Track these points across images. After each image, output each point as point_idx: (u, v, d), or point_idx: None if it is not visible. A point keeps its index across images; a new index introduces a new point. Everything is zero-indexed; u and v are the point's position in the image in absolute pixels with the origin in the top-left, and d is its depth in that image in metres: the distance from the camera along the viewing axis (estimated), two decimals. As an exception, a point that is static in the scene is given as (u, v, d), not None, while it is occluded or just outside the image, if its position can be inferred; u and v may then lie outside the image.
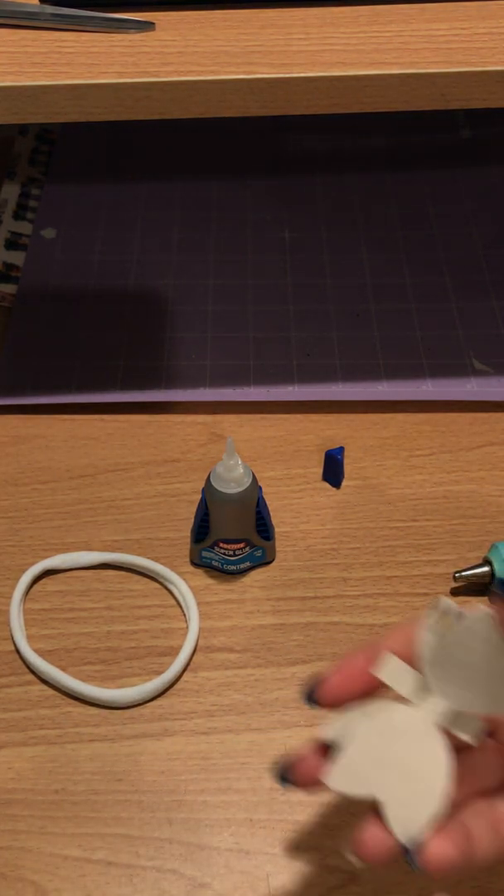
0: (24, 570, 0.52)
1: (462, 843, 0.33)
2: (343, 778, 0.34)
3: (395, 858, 0.33)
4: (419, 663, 0.35)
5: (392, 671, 0.35)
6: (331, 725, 0.34)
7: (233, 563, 0.51)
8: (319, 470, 0.57)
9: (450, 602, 0.34)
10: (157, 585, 0.52)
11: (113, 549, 0.53)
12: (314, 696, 0.35)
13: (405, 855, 0.32)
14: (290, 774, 0.35)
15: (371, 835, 0.33)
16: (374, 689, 0.35)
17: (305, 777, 0.34)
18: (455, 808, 0.34)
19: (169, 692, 0.47)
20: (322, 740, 0.34)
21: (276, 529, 0.53)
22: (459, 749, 0.35)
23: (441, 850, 0.32)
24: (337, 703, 0.35)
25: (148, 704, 0.47)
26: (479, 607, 0.34)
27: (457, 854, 0.32)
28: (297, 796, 0.43)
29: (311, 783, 0.34)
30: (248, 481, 0.48)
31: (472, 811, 0.34)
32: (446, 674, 0.34)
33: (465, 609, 0.34)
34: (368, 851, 0.33)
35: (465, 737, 0.34)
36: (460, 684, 0.34)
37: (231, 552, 0.51)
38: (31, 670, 0.48)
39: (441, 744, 0.34)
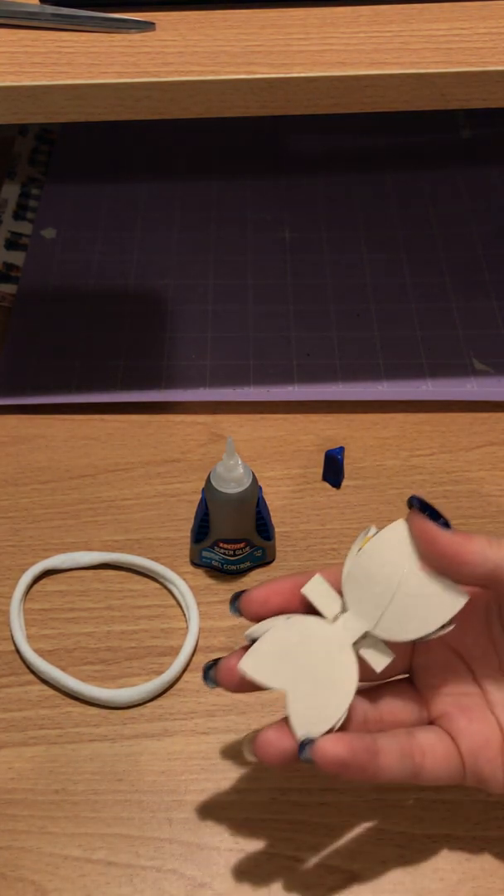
0: (24, 570, 0.52)
1: (361, 751, 0.35)
2: (255, 665, 0.36)
3: (289, 762, 0.35)
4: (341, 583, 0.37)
5: (318, 591, 0.37)
6: (255, 628, 0.37)
7: (233, 563, 0.51)
8: (319, 470, 0.57)
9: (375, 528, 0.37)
10: (157, 585, 0.52)
11: (113, 549, 0.53)
12: (237, 604, 0.37)
13: (300, 750, 0.35)
14: (213, 672, 0.37)
15: (271, 736, 0.35)
16: (296, 609, 0.37)
17: (226, 674, 0.37)
18: (374, 731, 0.37)
19: (169, 692, 0.47)
20: (246, 639, 0.37)
21: (276, 529, 0.53)
22: (381, 691, 0.38)
23: (333, 748, 0.34)
24: (258, 615, 0.37)
25: (148, 704, 0.47)
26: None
27: (348, 756, 0.34)
28: (298, 797, 0.43)
29: (230, 681, 0.37)
30: (248, 481, 0.48)
31: (389, 734, 0.37)
32: (361, 590, 0.36)
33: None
34: (267, 751, 0.35)
35: (372, 662, 0.36)
36: (373, 602, 0.36)
37: (231, 552, 0.51)
38: (31, 670, 0.48)
39: (351, 660, 0.36)
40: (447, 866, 0.41)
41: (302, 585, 0.37)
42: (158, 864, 0.41)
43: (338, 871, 0.41)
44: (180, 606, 0.51)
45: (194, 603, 0.50)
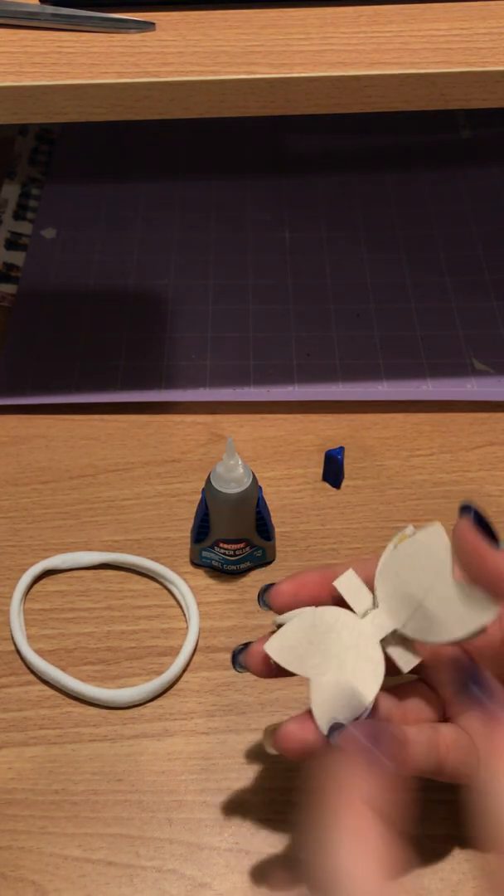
0: (24, 570, 0.52)
1: (391, 738, 0.34)
2: (280, 649, 0.36)
3: (311, 754, 0.35)
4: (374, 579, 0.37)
5: (349, 585, 0.37)
6: (284, 615, 0.37)
7: (233, 563, 0.51)
8: (319, 470, 0.57)
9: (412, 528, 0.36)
10: (157, 585, 0.52)
11: (113, 549, 0.53)
12: (265, 597, 0.38)
13: (329, 734, 0.34)
14: (242, 656, 0.37)
15: (293, 728, 0.35)
16: (325, 602, 0.37)
17: (254, 658, 0.37)
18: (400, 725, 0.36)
19: (169, 692, 0.47)
20: (273, 625, 0.37)
21: (276, 529, 0.53)
22: (403, 690, 0.38)
23: (363, 733, 0.34)
24: (287, 607, 0.37)
25: (148, 704, 0.47)
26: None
27: (368, 741, 0.34)
28: (299, 798, 0.43)
29: (258, 666, 0.37)
30: (248, 481, 0.48)
31: (416, 727, 0.37)
32: (393, 587, 0.36)
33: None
34: (288, 743, 0.35)
35: (399, 661, 0.36)
36: (404, 600, 0.36)
37: (231, 552, 0.51)
38: (31, 670, 0.48)
39: (378, 655, 0.36)
40: (447, 866, 0.41)
41: (331, 579, 0.37)
42: (158, 864, 0.41)
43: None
44: (180, 606, 0.51)
45: (194, 603, 0.50)
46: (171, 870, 0.41)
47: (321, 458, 0.57)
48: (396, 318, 0.67)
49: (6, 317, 0.68)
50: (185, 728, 0.46)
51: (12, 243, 0.73)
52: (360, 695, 0.35)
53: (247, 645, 0.38)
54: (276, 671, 0.36)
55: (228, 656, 0.48)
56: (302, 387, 0.62)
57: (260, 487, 0.49)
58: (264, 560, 0.52)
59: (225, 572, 0.52)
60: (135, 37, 0.47)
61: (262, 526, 0.51)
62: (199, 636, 0.49)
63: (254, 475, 0.49)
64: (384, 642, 0.36)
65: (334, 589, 0.37)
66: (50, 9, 0.48)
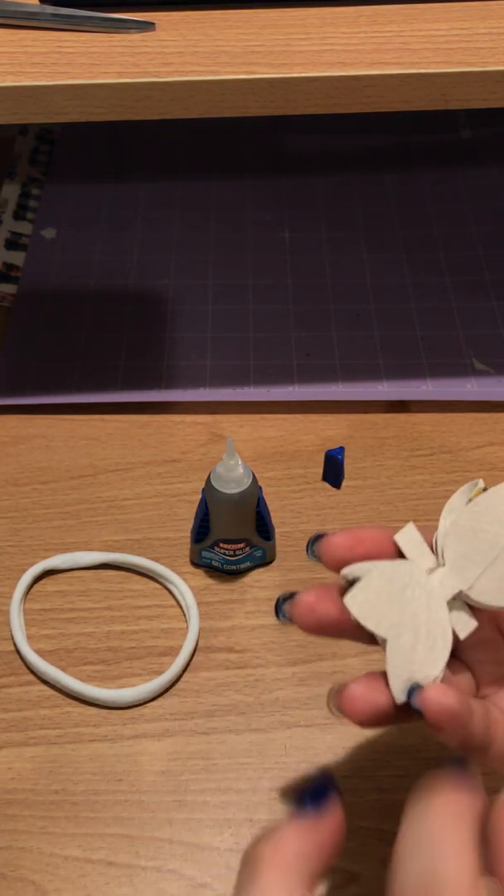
0: (24, 570, 0.52)
1: (465, 705, 0.32)
2: (361, 605, 0.33)
3: (378, 717, 0.33)
4: (438, 536, 0.34)
5: (411, 540, 0.35)
6: (354, 567, 0.34)
7: (233, 563, 0.51)
8: (319, 470, 0.57)
9: (483, 482, 0.34)
10: (157, 585, 0.52)
11: (113, 549, 0.53)
12: (315, 548, 0.35)
13: (408, 695, 0.32)
14: (288, 605, 0.34)
15: (359, 690, 0.33)
16: (379, 558, 0.34)
17: (304, 610, 0.34)
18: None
19: (169, 692, 0.47)
20: (342, 578, 0.34)
21: (277, 529, 0.53)
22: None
23: (443, 697, 0.32)
24: (342, 561, 0.34)
25: (148, 704, 0.47)
26: None
27: (457, 706, 0.32)
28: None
29: (308, 618, 0.34)
30: (248, 481, 0.48)
31: (475, 700, 0.34)
32: (463, 545, 0.34)
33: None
34: (355, 706, 0.32)
35: (457, 626, 0.34)
36: (473, 559, 0.34)
37: (231, 552, 0.51)
38: (31, 670, 0.48)
39: (447, 617, 0.34)
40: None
41: (388, 536, 0.35)
42: (158, 864, 0.41)
43: (338, 871, 0.41)
44: (180, 606, 0.51)
45: (194, 603, 0.50)
46: (171, 870, 0.41)
47: (321, 458, 0.57)
48: (396, 318, 0.67)
49: (6, 317, 0.68)
50: (185, 728, 0.46)
51: (12, 243, 0.73)
52: (433, 659, 0.33)
53: (292, 594, 0.35)
54: (324, 627, 0.34)
55: (229, 657, 0.48)
56: (302, 387, 0.62)
57: (260, 487, 0.49)
58: (264, 560, 0.52)
59: (225, 572, 0.52)
60: (135, 37, 0.47)
61: (262, 526, 0.51)
62: (199, 636, 0.49)
63: (254, 475, 0.49)
64: (449, 604, 0.34)
65: (391, 547, 0.35)
66: (50, 9, 0.48)
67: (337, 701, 0.33)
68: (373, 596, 0.33)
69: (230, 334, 0.66)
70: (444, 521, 0.35)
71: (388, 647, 0.33)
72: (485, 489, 0.35)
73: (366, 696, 0.33)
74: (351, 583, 0.34)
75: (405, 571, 0.34)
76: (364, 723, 0.33)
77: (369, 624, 0.33)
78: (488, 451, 0.58)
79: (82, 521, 0.55)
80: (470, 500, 0.35)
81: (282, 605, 0.35)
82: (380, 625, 0.33)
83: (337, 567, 0.34)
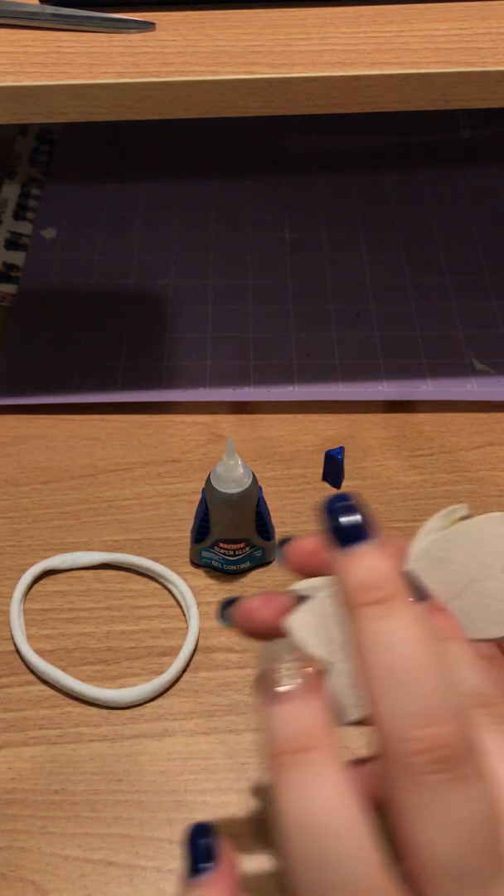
0: (24, 570, 0.52)
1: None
2: (303, 627, 0.33)
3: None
4: (409, 560, 0.34)
5: None
6: (305, 583, 0.34)
7: (233, 563, 0.51)
8: (319, 470, 0.57)
9: (464, 509, 0.33)
10: (157, 585, 0.52)
11: (113, 549, 0.53)
12: (280, 552, 0.35)
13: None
14: (230, 610, 0.35)
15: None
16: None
17: (244, 615, 0.34)
18: None
19: (169, 692, 0.47)
20: (290, 592, 0.34)
21: (276, 529, 0.53)
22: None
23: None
24: (304, 567, 0.35)
25: (148, 704, 0.47)
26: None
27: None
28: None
29: (247, 623, 0.34)
30: (248, 481, 0.48)
31: None
32: (432, 573, 0.33)
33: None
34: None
35: None
36: (440, 589, 0.33)
37: (231, 552, 0.51)
38: (31, 670, 0.48)
39: None
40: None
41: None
42: (158, 864, 0.41)
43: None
44: (180, 606, 0.51)
45: (194, 603, 0.50)
46: (171, 870, 0.41)
47: (321, 458, 0.57)
48: (396, 318, 0.67)
49: (6, 317, 0.68)
50: (185, 728, 0.46)
51: (12, 243, 0.73)
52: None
53: (235, 599, 0.35)
54: (263, 632, 0.34)
55: (229, 657, 0.48)
56: (302, 387, 0.62)
57: (260, 487, 0.49)
58: (264, 560, 0.52)
59: (225, 572, 0.52)
60: (135, 37, 0.47)
61: (262, 526, 0.51)
62: (199, 636, 0.49)
63: (254, 475, 0.49)
64: None
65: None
66: (50, 9, 0.47)
67: (232, 611, 0.34)
68: (318, 619, 0.33)
69: (230, 334, 0.66)
70: (417, 545, 0.34)
71: (330, 672, 0.32)
72: (465, 517, 0.35)
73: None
74: (301, 599, 0.34)
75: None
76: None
77: (311, 648, 0.33)
78: (488, 451, 0.58)
79: (82, 521, 0.55)
80: (446, 528, 0.34)
81: (224, 610, 0.35)
82: (323, 649, 0.33)
83: (301, 571, 0.35)
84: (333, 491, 0.56)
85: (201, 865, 0.29)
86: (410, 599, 0.27)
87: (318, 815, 0.25)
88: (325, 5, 0.49)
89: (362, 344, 0.65)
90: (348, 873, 0.24)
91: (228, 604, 0.35)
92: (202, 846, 0.29)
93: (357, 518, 0.29)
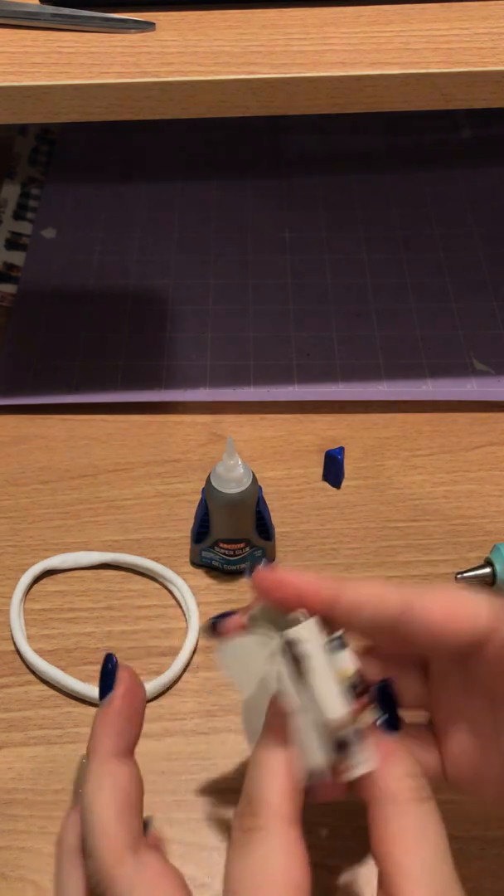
0: (24, 570, 0.52)
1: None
2: (229, 654, 0.36)
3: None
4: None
5: (311, 629, 0.34)
6: (254, 611, 0.36)
7: (233, 563, 0.51)
8: (319, 470, 0.57)
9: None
10: (157, 585, 0.52)
11: (113, 549, 0.53)
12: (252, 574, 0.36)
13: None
14: (219, 624, 0.37)
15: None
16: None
17: (233, 628, 0.36)
18: None
19: (169, 692, 0.47)
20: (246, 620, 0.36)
21: (276, 529, 0.53)
22: None
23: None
24: (273, 595, 0.36)
25: (148, 704, 0.47)
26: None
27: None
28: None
29: (276, 591, 0.35)
30: (248, 481, 0.48)
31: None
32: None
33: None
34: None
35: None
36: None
37: (231, 552, 0.51)
38: (31, 670, 0.48)
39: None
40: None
41: (311, 590, 0.35)
42: (158, 864, 0.41)
43: (338, 871, 0.41)
44: (180, 606, 0.51)
45: (194, 603, 0.50)
46: (171, 870, 0.41)
47: (321, 458, 0.57)
48: (396, 318, 0.67)
49: (6, 317, 0.68)
50: (185, 728, 0.46)
51: (12, 243, 0.73)
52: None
53: (227, 614, 0.37)
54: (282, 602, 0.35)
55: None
56: (302, 387, 0.62)
57: (260, 487, 0.49)
58: (264, 560, 0.52)
59: (225, 572, 0.52)
60: (135, 37, 0.47)
61: (262, 526, 0.51)
62: (199, 636, 0.49)
63: (254, 475, 0.49)
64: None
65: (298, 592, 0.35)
66: (50, 9, 0.47)
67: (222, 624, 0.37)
68: (242, 652, 0.35)
69: (230, 334, 0.66)
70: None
71: (243, 703, 0.35)
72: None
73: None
74: (250, 622, 0.36)
75: (277, 644, 0.34)
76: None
77: (230, 674, 0.36)
78: (488, 451, 0.58)
79: (82, 521, 0.55)
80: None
81: (216, 625, 0.37)
82: (241, 680, 0.35)
83: (271, 598, 0.36)
84: (333, 491, 0.56)
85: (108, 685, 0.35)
86: None
87: (258, 876, 0.30)
88: (325, 5, 0.49)
89: (362, 344, 0.65)
90: None
91: (218, 620, 0.37)
92: (108, 672, 0.35)
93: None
